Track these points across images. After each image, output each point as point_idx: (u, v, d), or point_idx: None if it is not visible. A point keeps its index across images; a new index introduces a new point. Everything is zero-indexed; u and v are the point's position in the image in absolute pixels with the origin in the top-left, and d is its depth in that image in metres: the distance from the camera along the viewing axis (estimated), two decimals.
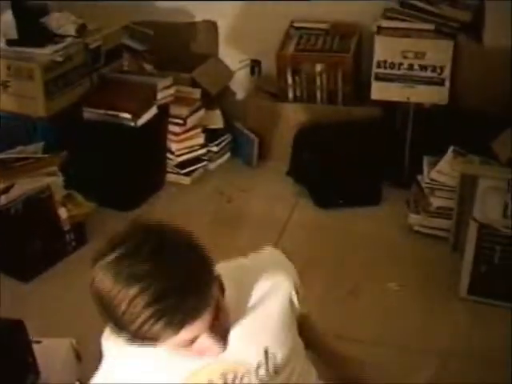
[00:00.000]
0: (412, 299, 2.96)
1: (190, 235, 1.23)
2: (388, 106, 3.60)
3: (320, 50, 3.72)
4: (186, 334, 1.18)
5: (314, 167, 3.64)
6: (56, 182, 3.14)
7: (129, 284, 1.13)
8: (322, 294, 2.97)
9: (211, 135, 3.89)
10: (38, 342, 2.28)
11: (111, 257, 1.16)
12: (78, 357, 2.34)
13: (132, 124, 3.38)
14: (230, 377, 1.40)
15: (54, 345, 2.35)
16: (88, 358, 2.38)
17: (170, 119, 3.69)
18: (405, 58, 3.44)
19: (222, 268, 1.31)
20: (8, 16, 3.38)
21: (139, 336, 1.17)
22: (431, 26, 3.42)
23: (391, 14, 3.50)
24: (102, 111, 3.40)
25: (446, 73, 3.41)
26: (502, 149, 3.27)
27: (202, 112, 3.80)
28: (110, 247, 1.17)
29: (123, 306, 1.14)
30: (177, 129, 3.70)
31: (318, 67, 3.68)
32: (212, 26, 4.05)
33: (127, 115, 3.37)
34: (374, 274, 3.10)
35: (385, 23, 3.48)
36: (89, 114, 3.43)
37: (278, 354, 1.42)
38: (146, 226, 1.22)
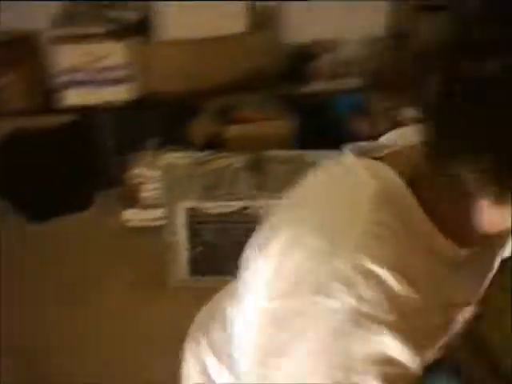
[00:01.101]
0: (134, 296, 3.03)
1: None
2: (83, 111, 3.62)
3: None
4: None
5: (21, 181, 3.56)
6: None
7: None
8: (45, 309, 2.95)
9: None
10: None
11: None
12: None
13: None
14: None
15: None
16: None
17: None
18: (88, 62, 3.49)
19: None
20: None
21: None
22: (103, 30, 3.47)
23: (61, 20, 3.48)
24: None
25: (130, 71, 3.51)
26: (195, 133, 3.48)
27: None
28: None
29: None
30: None
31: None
32: None
33: None
34: (95, 280, 3.13)
35: (57, 31, 3.45)
36: None
37: None
38: None
